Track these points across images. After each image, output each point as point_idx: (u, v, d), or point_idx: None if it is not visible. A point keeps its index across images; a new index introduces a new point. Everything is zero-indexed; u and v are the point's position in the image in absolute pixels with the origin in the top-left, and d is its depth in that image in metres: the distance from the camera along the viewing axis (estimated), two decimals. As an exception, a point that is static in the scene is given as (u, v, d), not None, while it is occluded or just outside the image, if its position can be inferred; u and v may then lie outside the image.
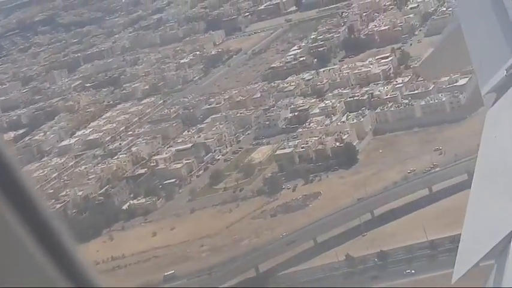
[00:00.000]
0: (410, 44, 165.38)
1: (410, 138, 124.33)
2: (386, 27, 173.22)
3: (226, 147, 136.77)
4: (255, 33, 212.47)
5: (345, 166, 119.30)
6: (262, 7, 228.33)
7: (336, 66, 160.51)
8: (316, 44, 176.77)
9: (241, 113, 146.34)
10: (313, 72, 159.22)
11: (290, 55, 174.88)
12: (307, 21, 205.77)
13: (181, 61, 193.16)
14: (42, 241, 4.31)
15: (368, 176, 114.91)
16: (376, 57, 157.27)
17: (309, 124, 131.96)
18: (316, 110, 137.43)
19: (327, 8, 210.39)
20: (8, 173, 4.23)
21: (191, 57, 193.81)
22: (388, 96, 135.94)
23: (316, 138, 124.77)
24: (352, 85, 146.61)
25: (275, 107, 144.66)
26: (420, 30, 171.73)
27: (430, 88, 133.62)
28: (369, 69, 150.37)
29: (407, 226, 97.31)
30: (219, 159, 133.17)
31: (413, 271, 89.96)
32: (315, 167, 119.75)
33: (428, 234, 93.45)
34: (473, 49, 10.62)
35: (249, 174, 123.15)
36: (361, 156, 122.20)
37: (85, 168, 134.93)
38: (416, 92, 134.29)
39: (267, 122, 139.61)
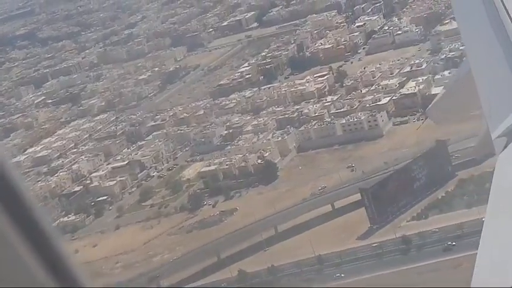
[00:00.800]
0: (351, 62, 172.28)
1: (329, 155, 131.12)
2: (331, 45, 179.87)
3: (163, 164, 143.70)
4: (216, 49, 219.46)
5: (264, 182, 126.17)
6: (226, 23, 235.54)
7: (276, 84, 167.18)
8: (264, 61, 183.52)
9: (181, 130, 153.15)
10: (255, 89, 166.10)
11: (238, 72, 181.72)
12: (265, 38, 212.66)
13: (140, 77, 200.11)
14: (30, 241, 4.27)
15: (283, 192, 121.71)
16: (315, 76, 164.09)
17: (237, 142, 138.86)
18: (249, 128, 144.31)
19: (286, 24, 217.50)
20: None
21: (149, 74, 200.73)
22: (316, 114, 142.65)
23: (241, 155, 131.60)
24: (288, 103, 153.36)
25: (212, 124, 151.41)
26: (364, 48, 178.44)
27: (355, 107, 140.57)
28: (305, 87, 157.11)
29: (305, 241, 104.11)
30: (153, 176, 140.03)
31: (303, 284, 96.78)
32: (237, 184, 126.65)
33: (318, 249, 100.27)
34: (483, 93, 10.63)
35: (176, 191, 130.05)
36: (282, 173, 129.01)
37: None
38: (342, 110, 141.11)
39: (203, 139, 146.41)
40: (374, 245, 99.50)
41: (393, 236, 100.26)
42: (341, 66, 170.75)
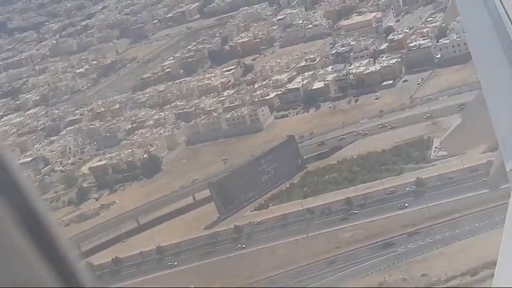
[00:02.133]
0: (265, 55, 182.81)
1: (213, 148, 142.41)
2: (248, 39, 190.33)
3: (69, 158, 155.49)
4: (157, 40, 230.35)
5: (148, 176, 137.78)
6: (171, 14, 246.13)
7: (188, 78, 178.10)
8: (188, 54, 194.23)
9: (93, 125, 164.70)
10: (169, 83, 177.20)
11: (160, 66, 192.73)
12: (202, 30, 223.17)
13: (78, 71, 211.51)
14: (33, 239, 4.27)
15: (162, 184, 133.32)
16: (223, 70, 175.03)
17: (133, 136, 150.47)
18: (151, 122, 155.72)
19: (224, 16, 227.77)
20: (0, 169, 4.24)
21: (87, 67, 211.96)
22: (211, 108, 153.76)
23: (130, 150, 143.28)
24: (192, 97, 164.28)
25: (121, 119, 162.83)
26: (279, 41, 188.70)
27: (246, 101, 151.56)
28: (211, 81, 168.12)
29: (159, 232, 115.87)
30: (57, 170, 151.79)
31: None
32: (123, 178, 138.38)
33: (168, 239, 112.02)
34: (497, 124, 10.55)
35: (70, 185, 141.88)
36: (166, 166, 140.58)
37: None
38: (233, 104, 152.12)
39: (108, 134, 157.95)
40: (213, 234, 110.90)
41: (232, 226, 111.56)
42: (255, 59, 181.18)
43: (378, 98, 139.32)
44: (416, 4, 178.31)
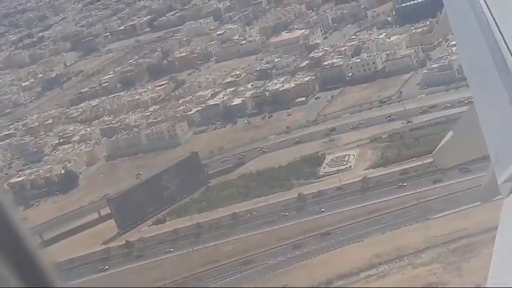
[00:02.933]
0: (200, 70, 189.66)
1: (131, 163, 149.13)
2: (186, 53, 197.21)
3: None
4: (106, 53, 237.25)
5: (64, 191, 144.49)
6: (122, 27, 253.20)
7: (123, 92, 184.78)
8: (127, 68, 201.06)
9: (24, 140, 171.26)
10: (103, 98, 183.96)
11: (102, 79, 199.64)
12: (150, 43, 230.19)
13: (24, 84, 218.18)
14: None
15: (76, 199, 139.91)
16: (156, 85, 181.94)
17: (56, 152, 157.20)
18: (77, 137, 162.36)
19: (172, 29, 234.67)
20: None
21: (32, 80, 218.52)
22: (136, 123, 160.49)
23: (50, 166, 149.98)
24: (121, 112, 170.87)
25: (50, 134, 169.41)
26: (215, 56, 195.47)
27: (169, 116, 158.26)
28: (140, 97, 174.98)
29: (61, 248, 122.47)
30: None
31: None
32: (40, 193, 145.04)
33: (69, 254, 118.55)
34: (489, 137, 10.62)
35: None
36: (83, 182, 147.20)
37: None
38: (157, 120, 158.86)
39: (35, 149, 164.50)
40: (106, 249, 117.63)
41: (131, 240, 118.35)
42: (190, 74, 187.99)
43: (289, 115, 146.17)
44: (345, 22, 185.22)
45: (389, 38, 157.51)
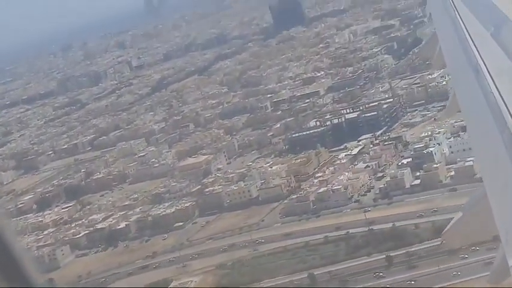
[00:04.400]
0: (112, 192, 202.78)
1: None
2: (102, 175, 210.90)
3: None
4: (43, 172, 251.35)
5: None
6: (66, 146, 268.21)
7: (31, 214, 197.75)
8: (49, 189, 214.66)
9: None
10: (13, 220, 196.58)
11: (20, 200, 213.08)
12: (85, 162, 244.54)
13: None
14: None
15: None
16: (62, 207, 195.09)
17: None
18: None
19: (107, 149, 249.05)
20: None
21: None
22: (28, 246, 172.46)
23: None
24: (27, 234, 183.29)
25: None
26: (131, 178, 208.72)
27: (59, 239, 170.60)
28: (43, 219, 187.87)
29: None
30: None
31: None
32: None
33: None
34: (499, 218, 10.72)
35: None
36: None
37: None
38: (47, 242, 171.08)
39: None
40: None
41: None
42: (103, 195, 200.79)
43: (164, 239, 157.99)
44: (251, 148, 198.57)
45: (271, 167, 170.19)
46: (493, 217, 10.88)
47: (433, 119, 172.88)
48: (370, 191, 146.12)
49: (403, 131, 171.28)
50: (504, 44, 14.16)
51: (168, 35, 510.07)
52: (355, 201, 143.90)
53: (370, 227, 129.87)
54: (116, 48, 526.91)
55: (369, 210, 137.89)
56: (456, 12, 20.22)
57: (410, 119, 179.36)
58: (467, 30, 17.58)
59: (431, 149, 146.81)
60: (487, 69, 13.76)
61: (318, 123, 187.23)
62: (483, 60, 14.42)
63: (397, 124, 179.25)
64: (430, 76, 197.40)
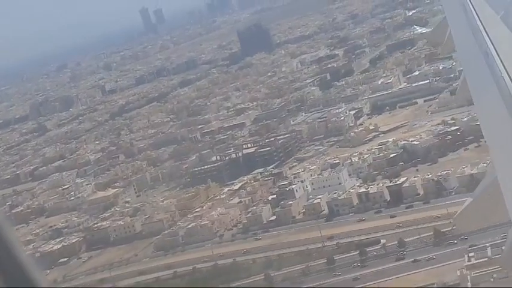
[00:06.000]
0: (28, 225, 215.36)
1: None
2: (23, 208, 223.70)
3: None
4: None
5: None
6: (8, 176, 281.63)
7: None
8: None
9: None
10: None
11: None
12: (20, 193, 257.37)
13: None
14: None
15: None
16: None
17: None
18: None
19: (44, 180, 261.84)
20: None
21: None
22: None
23: None
24: None
25: None
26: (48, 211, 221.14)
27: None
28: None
29: None
30: None
31: None
32: None
33: None
34: (510, 201, 11.10)
35: None
36: None
37: None
38: None
39: None
40: None
41: None
42: (18, 229, 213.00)
43: (47, 275, 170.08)
44: (162, 181, 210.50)
45: (163, 202, 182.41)
46: (503, 201, 11.15)
47: (322, 154, 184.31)
48: (236, 226, 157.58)
49: (293, 166, 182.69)
50: None
51: (152, 57, 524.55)
52: (219, 237, 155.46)
53: (216, 262, 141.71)
54: (102, 69, 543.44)
55: (225, 246, 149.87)
56: None
57: (305, 154, 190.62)
58: (476, 14, 17.81)
59: (293, 186, 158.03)
60: (497, 53, 13.90)
61: (218, 157, 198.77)
62: (493, 44, 14.62)
63: (291, 159, 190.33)
64: (337, 111, 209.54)
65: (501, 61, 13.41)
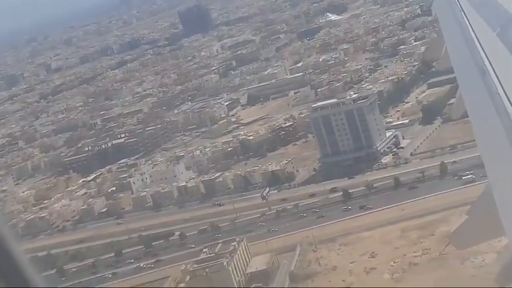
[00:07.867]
0: None
1: None
2: None
3: None
4: None
5: None
6: None
7: None
8: None
9: None
10: None
11: None
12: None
13: None
14: None
15: None
16: None
17: None
18: None
19: None
20: None
21: None
22: None
23: None
24: None
25: None
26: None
27: None
28: None
29: None
30: None
31: None
32: None
33: None
34: (506, 218, 11.38)
35: None
36: None
37: None
38: None
39: None
40: None
41: None
42: None
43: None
44: (42, 169, 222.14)
45: (24, 192, 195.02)
46: (499, 218, 11.64)
47: (185, 145, 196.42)
48: (74, 218, 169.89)
49: (153, 157, 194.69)
50: (510, 43, 14.81)
51: (110, 34, 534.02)
52: (54, 229, 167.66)
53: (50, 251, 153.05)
54: (62, 45, 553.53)
55: (54, 237, 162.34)
56: (462, 13, 21.26)
57: (173, 144, 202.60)
58: (473, 31, 18.34)
59: (131, 179, 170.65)
60: (493, 70, 14.44)
61: (90, 147, 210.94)
62: (489, 61, 15.12)
63: (158, 149, 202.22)
64: (218, 101, 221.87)
65: (497, 77, 14.15)
